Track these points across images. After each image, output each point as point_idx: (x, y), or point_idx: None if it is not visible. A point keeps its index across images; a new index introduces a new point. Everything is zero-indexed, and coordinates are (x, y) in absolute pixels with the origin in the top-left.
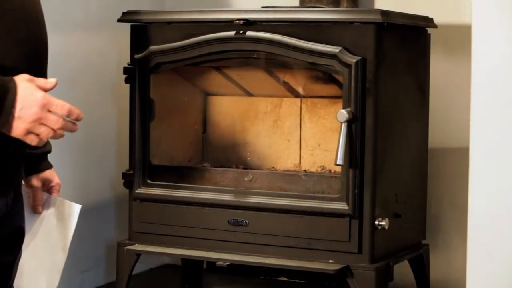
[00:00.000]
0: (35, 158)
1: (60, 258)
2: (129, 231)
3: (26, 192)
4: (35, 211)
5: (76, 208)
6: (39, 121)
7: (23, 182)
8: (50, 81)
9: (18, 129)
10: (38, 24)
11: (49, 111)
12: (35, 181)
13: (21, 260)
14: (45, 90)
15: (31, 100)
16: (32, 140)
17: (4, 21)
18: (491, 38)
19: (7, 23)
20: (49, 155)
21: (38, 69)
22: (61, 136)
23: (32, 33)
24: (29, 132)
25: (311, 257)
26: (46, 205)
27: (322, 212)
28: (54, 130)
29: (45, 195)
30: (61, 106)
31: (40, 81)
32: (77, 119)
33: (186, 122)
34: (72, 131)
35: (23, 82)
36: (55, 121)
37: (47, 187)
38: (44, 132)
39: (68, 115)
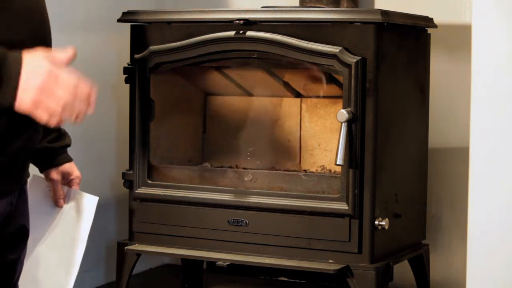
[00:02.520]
0: (54, 151)
1: (79, 251)
2: (129, 231)
3: (47, 186)
4: (57, 204)
5: (94, 200)
6: (47, 93)
7: (43, 175)
8: (66, 52)
9: (24, 101)
10: (42, 23)
11: (56, 83)
12: (55, 175)
13: (41, 252)
14: (62, 64)
15: (37, 69)
16: (41, 116)
17: (8, 21)
18: (491, 38)
19: (10, 23)
20: None
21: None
22: (75, 115)
23: (36, 32)
24: (37, 105)
25: (311, 257)
26: (66, 198)
27: (322, 212)
28: (61, 107)
29: (65, 188)
30: (67, 82)
31: (54, 54)
32: (89, 98)
33: (186, 122)
34: (81, 113)
35: (31, 55)
36: (59, 98)
37: (66, 180)
38: (52, 105)
39: (77, 93)
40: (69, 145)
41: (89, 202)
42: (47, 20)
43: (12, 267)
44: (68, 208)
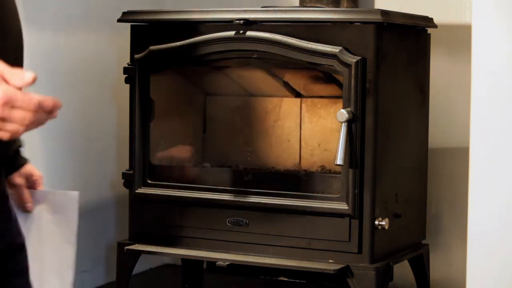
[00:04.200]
0: (10, 155)
1: (67, 252)
2: (129, 231)
3: (10, 194)
4: (27, 209)
5: (73, 195)
6: (3, 121)
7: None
8: (25, 77)
9: None
10: (16, 16)
11: (14, 107)
12: (18, 179)
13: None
14: (19, 87)
15: None
16: (1, 136)
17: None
18: (491, 38)
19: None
20: (49, 156)
21: (7, 58)
22: (38, 126)
23: (14, 26)
24: None
25: (311, 257)
26: (34, 201)
27: (322, 212)
28: (24, 126)
29: (30, 191)
30: (27, 102)
31: (11, 74)
32: (53, 110)
33: (186, 122)
34: (45, 122)
35: None
36: (21, 119)
37: (29, 182)
38: (13, 129)
39: (40, 109)
40: (22, 146)
41: (69, 199)
42: (17, 12)
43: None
44: (39, 210)
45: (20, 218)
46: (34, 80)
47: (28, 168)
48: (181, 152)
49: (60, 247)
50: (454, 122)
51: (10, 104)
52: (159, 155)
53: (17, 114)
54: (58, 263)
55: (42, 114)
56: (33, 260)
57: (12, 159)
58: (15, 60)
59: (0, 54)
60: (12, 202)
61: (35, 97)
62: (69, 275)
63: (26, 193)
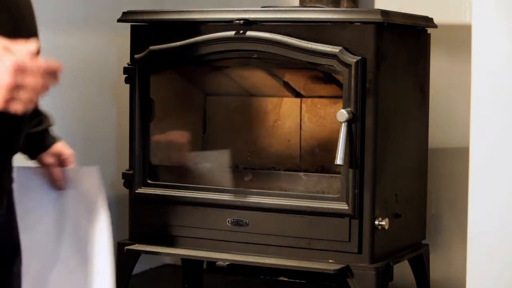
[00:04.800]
0: (41, 135)
1: (102, 222)
2: (129, 231)
3: (36, 174)
4: (59, 187)
5: (94, 170)
6: (17, 89)
7: (27, 166)
8: (29, 47)
9: None
10: (27, 18)
11: (25, 73)
12: (48, 158)
13: (62, 251)
14: (24, 54)
15: (1, 69)
16: (16, 108)
17: None
18: (491, 38)
19: None
20: None
21: None
22: (45, 92)
23: (19, 29)
24: (10, 102)
25: (311, 257)
26: (65, 180)
27: (322, 212)
28: (36, 93)
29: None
30: (37, 67)
31: (16, 46)
32: (57, 73)
33: (186, 122)
34: (50, 88)
35: None
36: (34, 85)
37: (59, 161)
38: (27, 97)
39: (47, 73)
40: (51, 125)
41: (91, 174)
42: (32, 14)
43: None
44: (71, 189)
45: (52, 197)
46: (38, 50)
47: (57, 147)
48: (179, 136)
49: (94, 217)
50: (454, 122)
51: (21, 70)
52: (159, 155)
53: (29, 80)
54: (95, 233)
55: (49, 79)
56: (70, 234)
57: (41, 138)
58: None
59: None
60: (45, 180)
61: (41, 61)
62: (107, 243)
63: (57, 172)
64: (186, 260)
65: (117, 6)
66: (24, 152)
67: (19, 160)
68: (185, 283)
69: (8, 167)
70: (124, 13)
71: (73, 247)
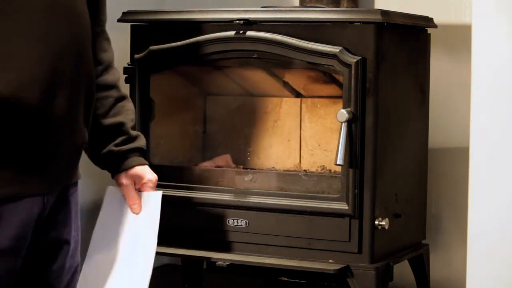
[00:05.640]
0: (120, 155)
1: (150, 252)
2: None
3: (122, 195)
4: (133, 211)
5: (157, 195)
6: None
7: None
8: None
9: None
10: (67, 15)
11: None
12: (124, 179)
13: (117, 266)
14: None
15: None
16: None
17: (20, 16)
18: (491, 38)
19: (23, 17)
20: None
21: (70, 67)
22: None
23: (56, 27)
24: None
25: (311, 257)
26: (139, 203)
27: (322, 212)
28: None
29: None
30: None
31: None
32: None
33: (186, 122)
34: None
35: None
36: None
37: (138, 184)
38: None
39: None
40: (141, 148)
41: (154, 199)
42: (75, 11)
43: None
44: (142, 212)
45: (125, 220)
46: None
47: (138, 169)
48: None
49: (144, 245)
50: (454, 122)
51: None
52: (159, 155)
53: None
54: (140, 260)
55: None
56: (126, 258)
57: (121, 158)
58: (52, 67)
59: (29, 61)
60: (121, 202)
61: None
62: (151, 264)
63: (132, 194)
64: (186, 260)
65: (117, 6)
66: (105, 168)
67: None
68: (185, 283)
69: (58, 165)
70: (124, 13)
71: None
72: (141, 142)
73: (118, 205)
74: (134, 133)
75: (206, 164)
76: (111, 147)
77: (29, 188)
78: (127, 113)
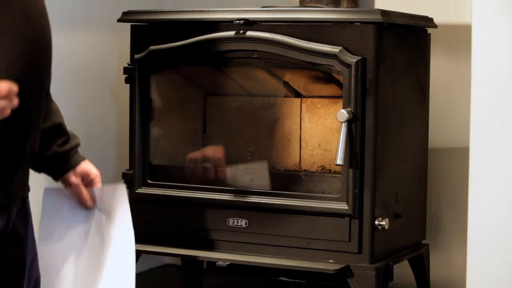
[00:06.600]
0: (65, 154)
1: (128, 239)
2: None
3: (65, 195)
4: (88, 206)
5: (121, 188)
6: None
7: (56, 185)
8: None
9: None
10: (39, 18)
11: None
12: (74, 178)
13: (90, 268)
14: None
15: None
16: None
17: (0, 16)
18: (491, 38)
19: (3, 17)
20: None
21: (39, 67)
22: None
23: (32, 28)
24: None
25: (311, 257)
26: (93, 199)
27: (322, 212)
28: None
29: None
30: None
31: None
32: (10, 95)
33: (186, 122)
34: (6, 110)
35: None
36: None
37: (86, 181)
38: None
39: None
40: (79, 145)
41: (119, 192)
42: (45, 15)
43: None
44: (99, 208)
45: (80, 215)
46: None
47: (84, 166)
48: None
49: (120, 236)
50: (454, 122)
51: None
52: (159, 155)
53: None
54: (121, 252)
55: (5, 103)
56: (95, 254)
57: (65, 158)
58: (28, 64)
59: (8, 57)
60: (73, 200)
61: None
62: (132, 262)
63: (84, 192)
64: (186, 260)
65: (117, 6)
66: (49, 172)
67: (48, 182)
68: (185, 283)
69: (20, 175)
70: (124, 13)
71: (97, 267)
72: (77, 139)
73: (65, 207)
74: (69, 132)
75: (195, 155)
76: (54, 148)
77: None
78: (59, 113)
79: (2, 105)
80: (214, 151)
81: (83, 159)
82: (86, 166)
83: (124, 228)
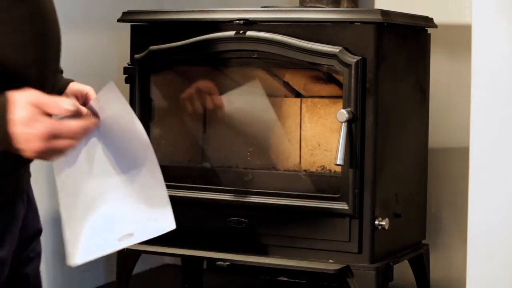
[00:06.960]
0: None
1: (140, 134)
2: None
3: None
4: (90, 103)
5: (111, 85)
6: (46, 151)
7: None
8: (65, 106)
9: (27, 152)
10: (49, 20)
11: (57, 137)
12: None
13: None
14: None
15: (32, 132)
16: (51, 157)
17: (10, 18)
18: (491, 38)
19: (13, 19)
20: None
21: (48, 69)
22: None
23: (42, 30)
24: (39, 155)
25: (311, 257)
26: (94, 114)
27: (322, 212)
28: (67, 151)
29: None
30: (69, 131)
31: (50, 106)
32: (91, 130)
33: (186, 122)
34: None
35: (23, 109)
36: (65, 146)
37: (82, 98)
38: (56, 156)
39: (82, 134)
40: (62, 71)
41: (111, 91)
42: (55, 17)
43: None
44: (103, 118)
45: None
46: (74, 110)
47: (75, 84)
48: None
49: (133, 132)
50: (454, 122)
51: (53, 136)
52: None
53: (61, 143)
54: (138, 147)
55: (81, 137)
56: (120, 155)
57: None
58: (55, 70)
59: (43, 65)
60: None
61: (75, 124)
62: (151, 153)
63: (83, 111)
64: (186, 260)
65: (117, 6)
66: None
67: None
68: (185, 283)
69: (24, 163)
70: (124, 13)
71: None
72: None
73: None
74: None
75: (189, 91)
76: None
77: (20, 191)
78: None
79: (66, 145)
80: (205, 82)
81: (70, 80)
82: (76, 84)
83: (132, 125)
